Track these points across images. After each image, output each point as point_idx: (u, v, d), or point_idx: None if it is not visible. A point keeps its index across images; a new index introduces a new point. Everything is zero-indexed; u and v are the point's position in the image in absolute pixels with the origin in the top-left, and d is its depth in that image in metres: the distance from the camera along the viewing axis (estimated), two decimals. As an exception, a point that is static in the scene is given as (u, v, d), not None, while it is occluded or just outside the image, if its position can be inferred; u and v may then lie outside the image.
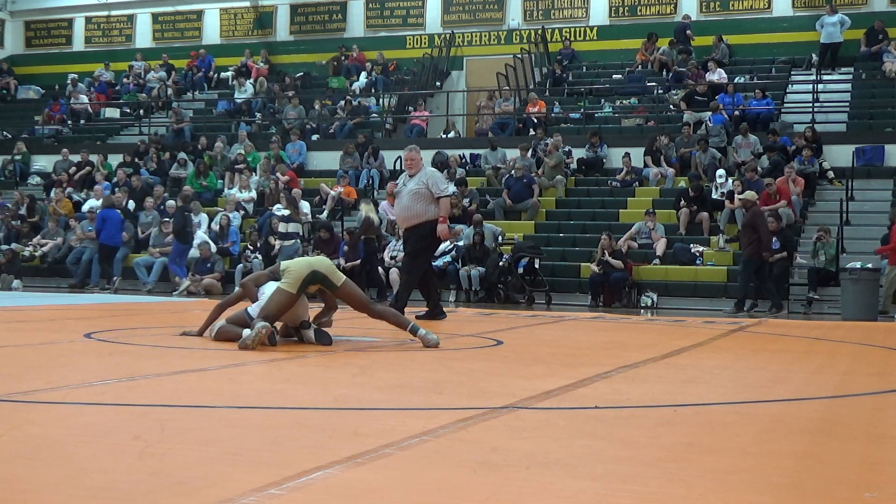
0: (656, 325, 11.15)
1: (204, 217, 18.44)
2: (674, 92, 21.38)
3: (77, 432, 3.59)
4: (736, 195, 16.26)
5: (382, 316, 7.46)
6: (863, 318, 13.11)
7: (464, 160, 20.42)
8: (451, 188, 10.95)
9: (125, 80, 27.16)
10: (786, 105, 20.73)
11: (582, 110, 21.69)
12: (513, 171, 18.62)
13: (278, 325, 7.17)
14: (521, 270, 15.84)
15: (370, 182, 20.11)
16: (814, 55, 21.44)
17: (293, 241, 16.96)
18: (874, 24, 21.48)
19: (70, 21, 29.78)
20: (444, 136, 22.06)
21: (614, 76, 23.17)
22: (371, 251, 16.42)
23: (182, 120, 24.01)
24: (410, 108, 23.62)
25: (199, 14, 28.49)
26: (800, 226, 16.60)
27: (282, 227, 17.16)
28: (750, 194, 15.28)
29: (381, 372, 5.79)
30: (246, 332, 6.85)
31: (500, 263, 15.84)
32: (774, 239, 14.77)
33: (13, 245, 19.19)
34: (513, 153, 19.47)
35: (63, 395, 4.45)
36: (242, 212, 19.25)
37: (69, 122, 25.99)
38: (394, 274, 16.16)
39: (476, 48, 25.24)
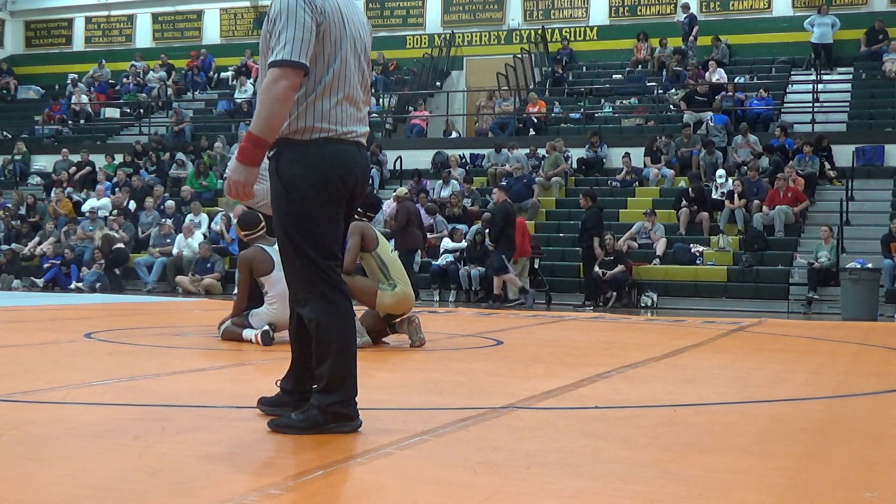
0: (656, 325, 11.15)
1: (204, 217, 18.41)
2: (674, 92, 21.37)
3: (77, 432, 3.58)
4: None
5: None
6: (863, 318, 13.10)
7: (464, 160, 20.40)
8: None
9: (125, 80, 27.14)
10: (786, 105, 20.72)
11: (582, 110, 21.68)
12: (512, 171, 18.61)
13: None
14: (520, 270, 15.82)
15: (370, 182, 20.05)
16: (813, 55, 21.44)
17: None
18: (874, 24, 21.47)
19: (70, 21, 29.75)
20: (444, 136, 22.05)
21: (614, 76, 23.16)
22: None
23: (182, 120, 24.00)
24: (410, 108, 23.61)
25: (199, 14, 28.47)
26: (800, 226, 16.59)
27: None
28: (401, 190, 16.15)
29: (381, 372, 5.79)
30: (246, 332, 6.87)
31: (500, 263, 15.80)
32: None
33: (13, 245, 19.19)
34: (518, 153, 19.47)
35: (63, 395, 4.45)
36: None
37: (69, 122, 25.98)
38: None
39: (476, 48, 25.22)
